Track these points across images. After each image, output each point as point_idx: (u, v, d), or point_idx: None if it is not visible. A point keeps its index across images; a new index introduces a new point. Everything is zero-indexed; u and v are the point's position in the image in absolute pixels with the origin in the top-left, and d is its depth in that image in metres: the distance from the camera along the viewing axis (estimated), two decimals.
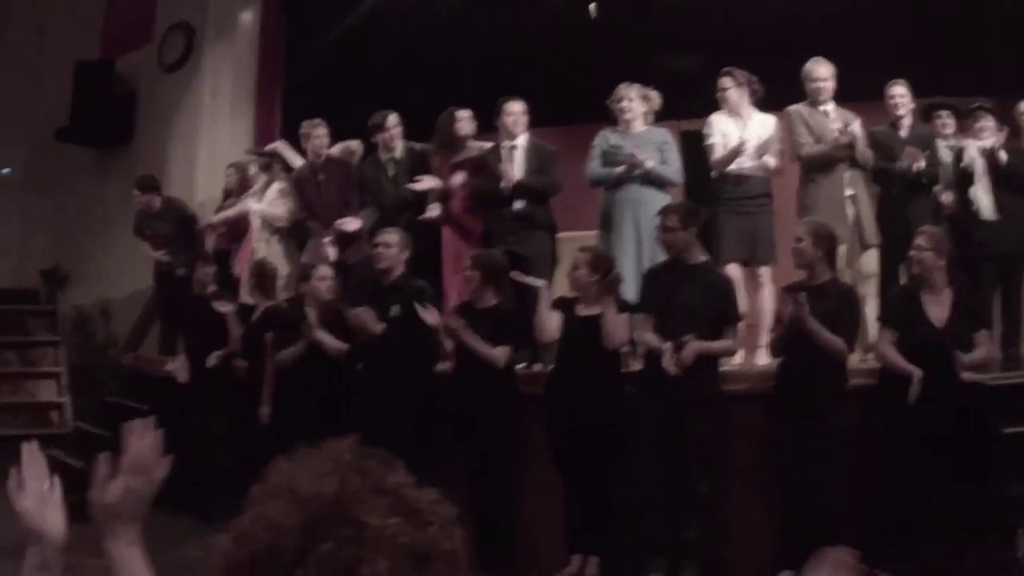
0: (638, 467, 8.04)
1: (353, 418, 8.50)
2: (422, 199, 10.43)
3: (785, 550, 7.73)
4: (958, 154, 9.82)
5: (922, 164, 9.46)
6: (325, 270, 9.65)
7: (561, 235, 10.15)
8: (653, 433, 7.96)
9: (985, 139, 9.82)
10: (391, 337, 8.77)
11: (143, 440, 2.47)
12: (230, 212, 11.78)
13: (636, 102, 9.73)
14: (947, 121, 10.40)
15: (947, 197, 9.90)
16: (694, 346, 7.75)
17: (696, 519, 7.91)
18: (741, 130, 9.53)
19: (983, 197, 9.69)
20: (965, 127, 10.15)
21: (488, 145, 10.37)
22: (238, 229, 11.73)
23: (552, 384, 8.43)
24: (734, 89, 9.65)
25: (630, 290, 8.71)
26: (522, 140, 10.03)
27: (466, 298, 9.06)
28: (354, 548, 1.57)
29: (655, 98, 9.88)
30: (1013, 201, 9.76)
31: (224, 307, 10.49)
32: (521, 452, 8.61)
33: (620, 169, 9.48)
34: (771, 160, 9.58)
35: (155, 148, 13.16)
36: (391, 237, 9.09)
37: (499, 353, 8.47)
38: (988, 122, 9.90)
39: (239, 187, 11.98)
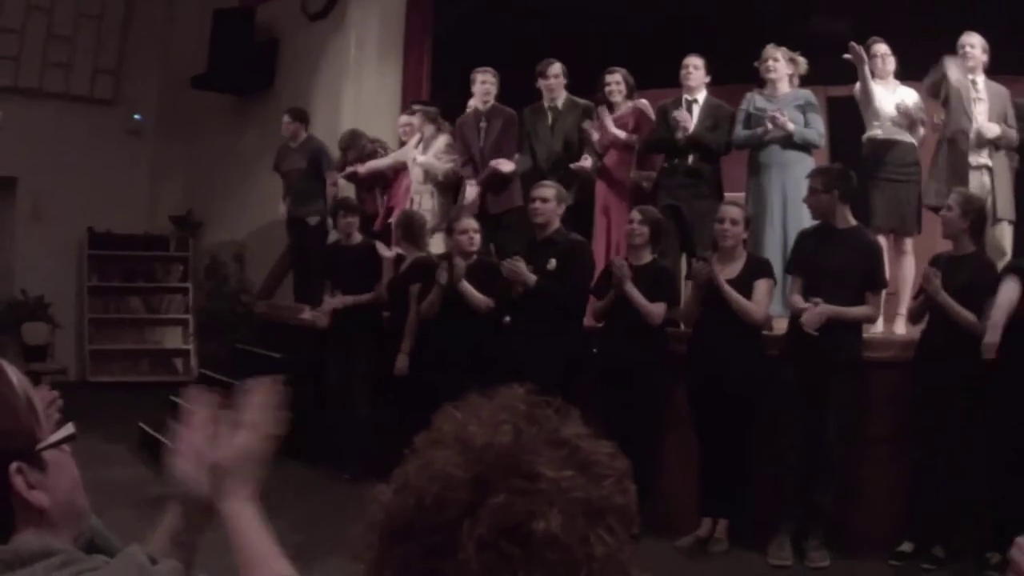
0: (774, 430, 8.02)
1: (498, 372, 8.29)
2: (578, 151, 10.45)
3: (912, 521, 7.71)
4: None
5: None
6: (467, 222, 9.59)
7: None
8: (792, 397, 7.95)
9: None
10: (546, 290, 8.74)
11: (268, 397, 2.35)
12: (385, 161, 11.70)
13: (782, 63, 9.65)
14: None
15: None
16: (824, 308, 7.77)
17: (828, 485, 7.89)
18: (892, 96, 9.41)
19: None
20: None
21: (643, 102, 10.35)
22: (380, 179, 11.77)
23: (695, 344, 8.43)
24: (890, 56, 9.55)
25: (774, 253, 8.71)
26: (701, 96, 9.96)
27: (623, 252, 9.08)
28: (526, 501, 1.50)
29: (802, 62, 9.78)
30: None
31: (385, 252, 10.47)
32: (663, 411, 8.61)
33: (760, 129, 9.42)
34: (920, 128, 9.44)
35: (296, 97, 13.16)
36: (548, 191, 9.06)
37: (657, 309, 8.46)
38: None
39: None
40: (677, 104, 9.84)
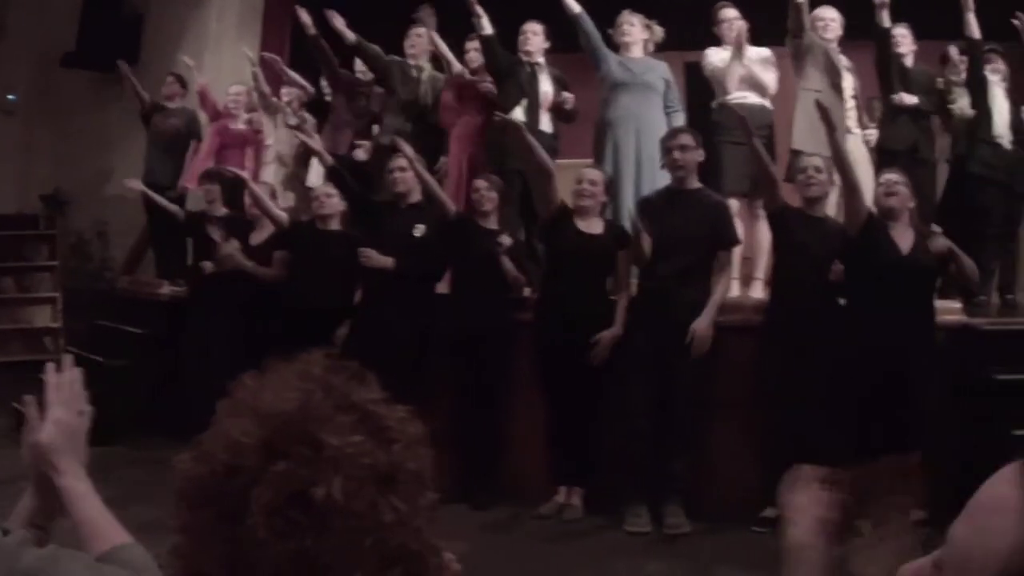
0: (625, 397, 7.97)
1: (358, 342, 8.49)
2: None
3: (771, 487, 7.63)
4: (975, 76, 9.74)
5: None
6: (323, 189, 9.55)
7: (560, 161, 9.83)
8: (642, 363, 7.91)
9: (998, 81, 9.77)
10: (414, 259, 8.68)
11: (62, 376, 2.40)
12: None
13: (638, 28, 9.67)
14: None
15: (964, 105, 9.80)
16: (705, 326, 7.87)
17: (681, 451, 7.88)
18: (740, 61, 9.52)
19: (999, 121, 9.65)
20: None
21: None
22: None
23: (544, 311, 8.37)
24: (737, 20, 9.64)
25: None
26: (542, 59, 9.97)
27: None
28: (310, 468, 1.53)
29: (657, 31, 9.82)
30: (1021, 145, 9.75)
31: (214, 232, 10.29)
32: (513, 379, 8.56)
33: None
34: (771, 85, 9.62)
35: (160, 72, 12.98)
36: (403, 160, 8.98)
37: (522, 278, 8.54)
38: (1000, 65, 9.83)
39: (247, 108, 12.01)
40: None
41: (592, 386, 8.08)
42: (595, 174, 8.42)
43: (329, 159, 9.47)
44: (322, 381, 1.64)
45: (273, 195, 10.33)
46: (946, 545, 1.34)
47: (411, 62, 10.58)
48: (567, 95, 9.84)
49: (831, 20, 9.50)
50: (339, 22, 10.37)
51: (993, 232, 9.62)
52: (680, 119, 9.65)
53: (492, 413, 8.52)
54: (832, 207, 8.76)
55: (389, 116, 10.51)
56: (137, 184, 11.45)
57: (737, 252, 8.57)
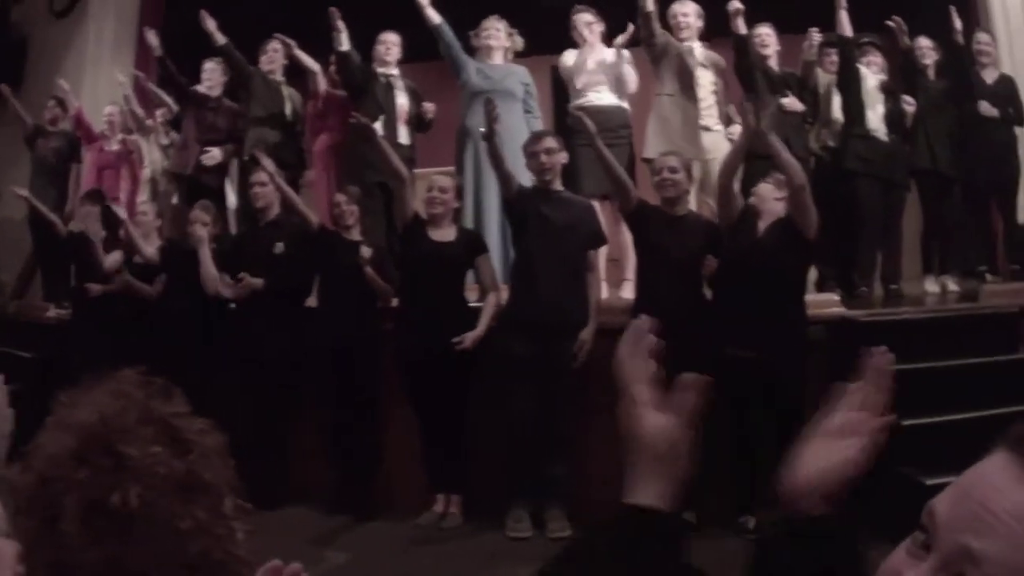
0: (501, 402, 7.95)
1: (234, 358, 8.70)
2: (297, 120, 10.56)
3: None
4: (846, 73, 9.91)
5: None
6: (198, 213, 9.39)
7: (420, 171, 9.93)
8: (518, 368, 7.89)
9: (874, 75, 9.94)
10: (277, 276, 8.71)
11: None
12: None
13: (502, 34, 9.82)
14: (835, 58, 10.35)
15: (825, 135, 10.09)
16: (588, 335, 7.96)
17: (560, 455, 7.88)
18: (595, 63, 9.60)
19: (874, 116, 9.83)
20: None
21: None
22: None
23: (408, 319, 8.35)
24: (596, 24, 9.73)
25: (494, 224, 8.79)
26: (396, 71, 10.04)
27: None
28: (111, 477, 1.60)
29: (518, 42, 9.97)
30: (895, 136, 9.90)
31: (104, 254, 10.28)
32: (385, 388, 8.53)
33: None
34: (631, 85, 9.68)
35: (44, 95, 12.92)
36: (263, 176, 9.00)
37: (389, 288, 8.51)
38: (876, 58, 10.03)
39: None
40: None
41: (459, 392, 8.10)
42: (445, 181, 8.40)
43: None
44: (129, 396, 1.70)
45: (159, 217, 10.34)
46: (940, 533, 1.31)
47: (270, 76, 10.62)
48: (428, 105, 9.92)
49: (685, 16, 9.65)
50: (211, 24, 10.36)
51: (873, 225, 9.78)
52: (538, 124, 9.71)
53: (367, 424, 8.52)
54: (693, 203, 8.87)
55: (252, 129, 10.47)
56: (23, 192, 11.42)
57: (603, 254, 8.63)
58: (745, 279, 7.53)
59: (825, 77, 10.29)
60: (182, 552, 1.60)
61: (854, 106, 9.83)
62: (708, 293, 8.03)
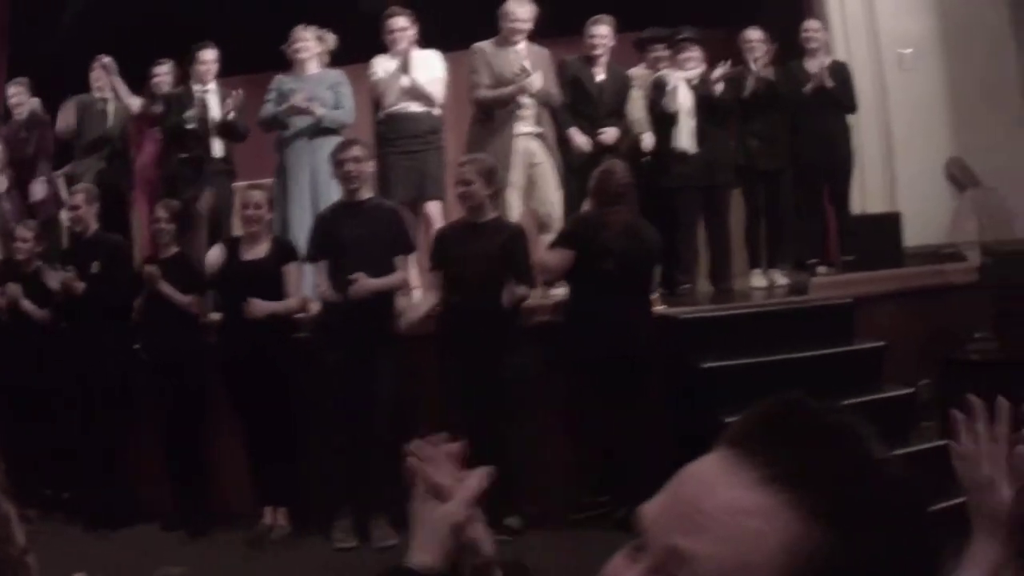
0: (321, 414, 7.96)
1: (60, 377, 8.58)
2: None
3: (493, 500, 7.65)
4: (657, 84, 9.90)
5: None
6: (21, 231, 9.26)
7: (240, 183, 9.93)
8: (335, 378, 7.86)
9: (691, 70, 9.92)
10: (94, 294, 8.59)
11: None
12: None
13: (311, 43, 9.74)
14: (661, 54, 10.39)
15: (648, 139, 9.97)
16: (365, 283, 7.77)
17: (383, 463, 7.70)
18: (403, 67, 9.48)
19: (683, 131, 9.76)
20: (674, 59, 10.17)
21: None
22: None
23: (227, 331, 8.33)
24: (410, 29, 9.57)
25: (304, 234, 8.69)
26: (212, 87, 9.94)
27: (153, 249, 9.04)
28: None
29: (330, 40, 9.90)
30: (716, 133, 9.94)
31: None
32: (213, 403, 8.50)
33: (285, 106, 9.46)
34: (437, 96, 9.56)
35: None
36: (78, 197, 8.98)
37: (191, 300, 8.45)
38: (694, 53, 9.99)
39: None
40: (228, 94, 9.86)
41: (280, 405, 8.09)
42: (259, 196, 8.36)
43: None
44: None
45: None
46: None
47: (96, 95, 10.51)
48: (230, 100, 9.74)
49: (514, 16, 9.49)
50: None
51: (690, 228, 9.98)
52: (343, 115, 9.64)
53: (196, 439, 8.50)
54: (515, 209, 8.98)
55: (79, 157, 10.40)
56: None
57: (412, 260, 8.70)
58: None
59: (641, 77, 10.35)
60: None
61: (663, 129, 9.86)
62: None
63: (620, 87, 9.91)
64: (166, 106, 9.99)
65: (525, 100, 9.33)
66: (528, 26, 9.48)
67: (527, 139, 9.37)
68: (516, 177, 9.09)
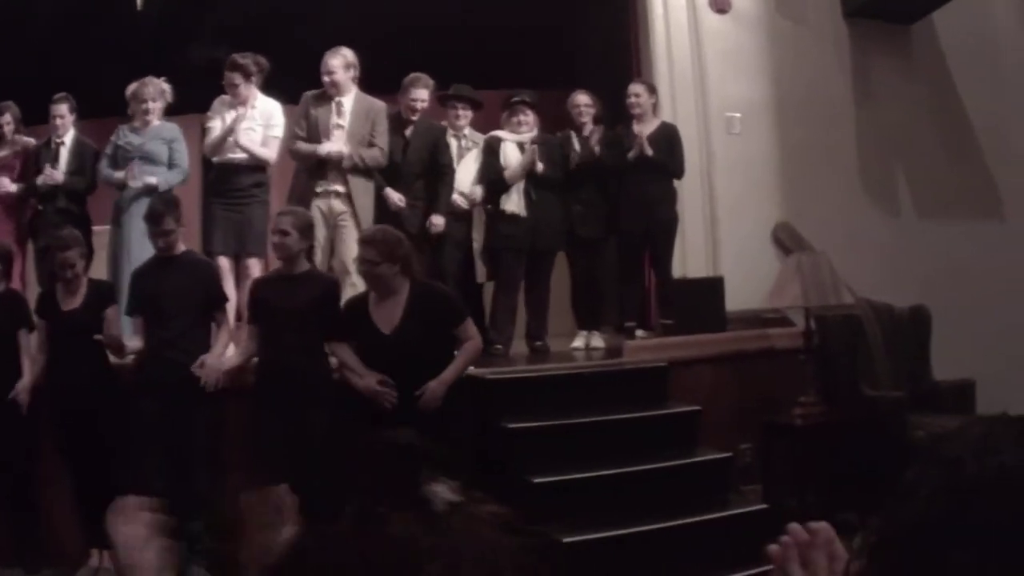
0: (139, 460, 8.03)
1: None
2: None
3: None
4: (489, 147, 10.20)
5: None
6: None
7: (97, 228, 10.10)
8: (152, 425, 8.03)
9: (523, 133, 10.15)
10: None
11: None
12: None
13: (158, 103, 9.90)
14: (461, 112, 10.62)
15: (477, 191, 10.26)
16: (210, 366, 8.11)
17: (197, 512, 7.98)
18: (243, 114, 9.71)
19: (513, 194, 10.02)
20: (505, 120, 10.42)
21: (32, 141, 10.34)
22: None
23: (51, 376, 8.39)
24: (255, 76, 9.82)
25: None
26: (69, 137, 10.08)
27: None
28: None
29: (167, 93, 9.95)
30: (545, 196, 10.11)
31: None
32: (42, 442, 8.49)
33: (119, 176, 9.63)
34: (265, 150, 9.78)
35: None
36: None
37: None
38: (527, 117, 10.18)
39: None
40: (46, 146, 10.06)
41: (103, 449, 8.17)
42: (71, 256, 8.36)
43: None
44: None
45: None
46: None
47: None
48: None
49: (325, 67, 9.74)
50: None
51: (510, 290, 10.18)
52: (177, 176, 9.77)
53: (22, 479, 8.48)
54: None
55: None
56: None
57: (231, 310, 8.92)
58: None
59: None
60: None
61: (494, 193, 10.12)
62: None
63: (429, 141, 10.16)
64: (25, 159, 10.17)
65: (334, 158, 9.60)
66: (339, 76, 9.66)
67: (327, 198, 9.63)
68: (319, 234, 9.24)
